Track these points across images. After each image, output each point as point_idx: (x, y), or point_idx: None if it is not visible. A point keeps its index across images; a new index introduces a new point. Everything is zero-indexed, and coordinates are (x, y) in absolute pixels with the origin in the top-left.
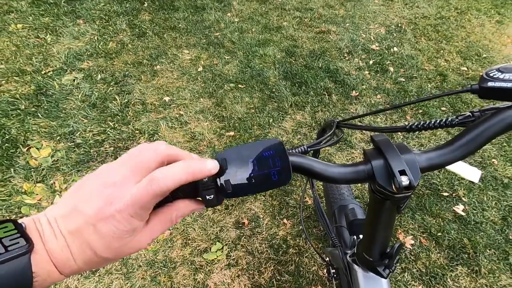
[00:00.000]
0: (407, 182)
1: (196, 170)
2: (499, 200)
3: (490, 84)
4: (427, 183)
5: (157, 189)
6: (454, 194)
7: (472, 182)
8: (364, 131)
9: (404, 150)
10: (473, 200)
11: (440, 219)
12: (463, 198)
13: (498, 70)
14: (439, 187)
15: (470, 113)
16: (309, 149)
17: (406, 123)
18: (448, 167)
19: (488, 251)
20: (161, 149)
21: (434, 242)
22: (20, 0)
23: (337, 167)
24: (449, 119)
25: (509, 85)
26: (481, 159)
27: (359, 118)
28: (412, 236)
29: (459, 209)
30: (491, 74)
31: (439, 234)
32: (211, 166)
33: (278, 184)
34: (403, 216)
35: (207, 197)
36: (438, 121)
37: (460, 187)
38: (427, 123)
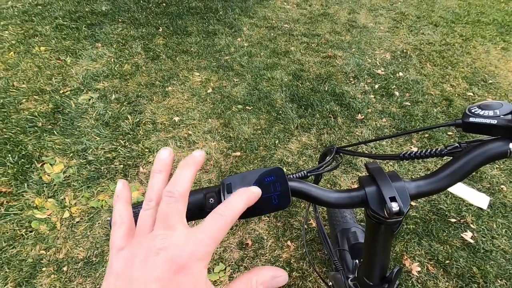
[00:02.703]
0: (397, 208)
1: (250, 198)
2: (509, 228)
3: (471, 119)
4: (434, 208)
5: (228, 223)
6: (462, 221)
7: (481, 209)
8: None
9: (395, 178)
10: (482, 227)
11: (448, 246)
12: (471, 225)
13: (479, 107)
14: (446, 213)
15: (458, 144)
16: (309, 174)
17: (404, 151)
18: (456, 193)
19: (499, 281)
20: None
21: (442, 270)
22: (45, 25)
23: (334, 192)
24: (439, 149)
25: (487, 121)
26: (489, 185)
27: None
28: (418, 263)
29: (468, 236)
30: (472, 110)
31: (447, 261)
32: (258, 190)
33: (279, 207)
34: (410, 242)
35: None
36: (429, 151)
37: (468, 213)
38: (419, 152)
